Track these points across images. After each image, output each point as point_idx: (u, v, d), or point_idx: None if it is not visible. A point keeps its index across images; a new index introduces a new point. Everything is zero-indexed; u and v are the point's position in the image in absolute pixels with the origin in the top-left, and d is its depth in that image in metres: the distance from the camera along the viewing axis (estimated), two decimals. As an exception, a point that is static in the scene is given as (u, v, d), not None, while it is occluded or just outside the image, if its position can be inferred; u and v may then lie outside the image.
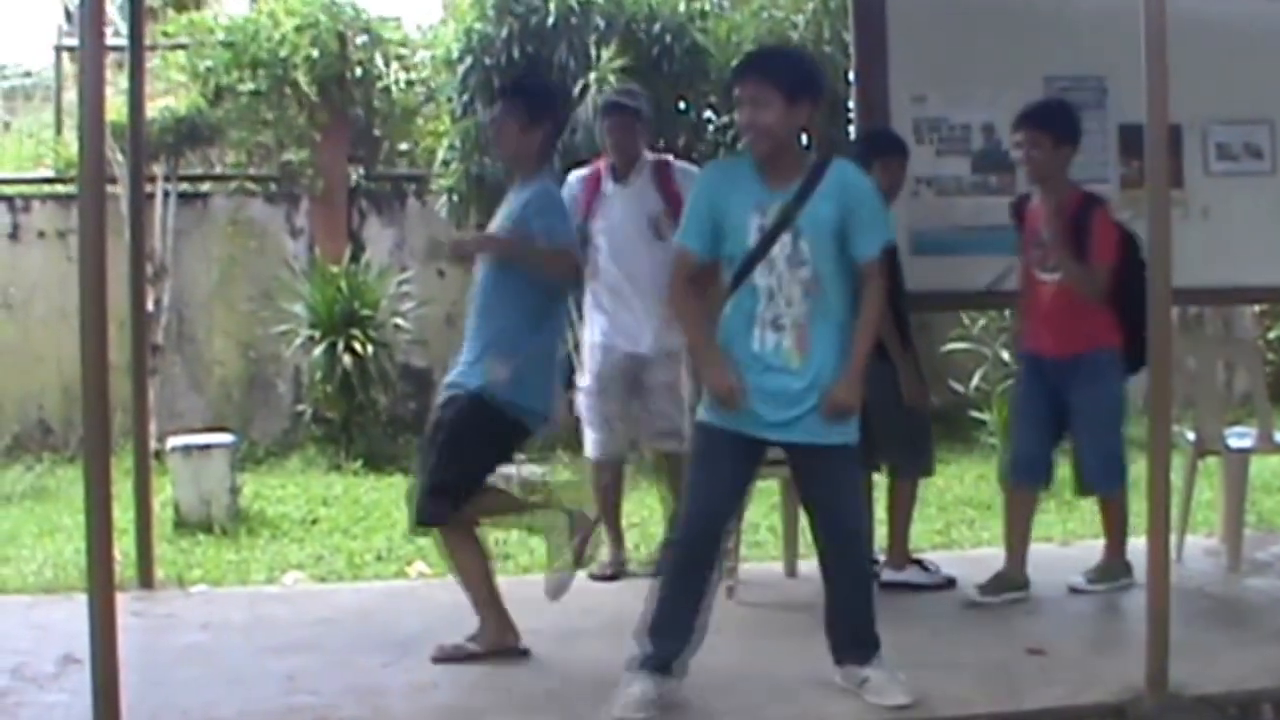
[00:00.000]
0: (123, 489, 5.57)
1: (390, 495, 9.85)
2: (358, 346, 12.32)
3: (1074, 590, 7.21)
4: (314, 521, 9.88)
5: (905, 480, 7.49)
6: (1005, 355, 11.95)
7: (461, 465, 6.10)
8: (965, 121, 7.77)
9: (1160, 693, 5.51)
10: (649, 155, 7.63)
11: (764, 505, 9.36)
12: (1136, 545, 7.17)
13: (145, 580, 7.55)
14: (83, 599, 5.42)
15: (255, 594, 7.70)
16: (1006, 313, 11.97)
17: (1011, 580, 7.11)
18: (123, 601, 5.25)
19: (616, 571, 7.60)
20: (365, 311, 12.51)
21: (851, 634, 5.74)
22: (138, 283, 7.93)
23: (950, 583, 7.37)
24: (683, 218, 5.78)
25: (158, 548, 7.88)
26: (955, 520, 9.75)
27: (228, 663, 6.23)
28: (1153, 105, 5.52)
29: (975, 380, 11.99)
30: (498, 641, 6.19)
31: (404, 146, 14.53)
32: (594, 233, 7.50)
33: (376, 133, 14.32)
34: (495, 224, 6.41)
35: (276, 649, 6.44)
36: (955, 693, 5.74)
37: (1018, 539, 7.25)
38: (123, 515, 5.61)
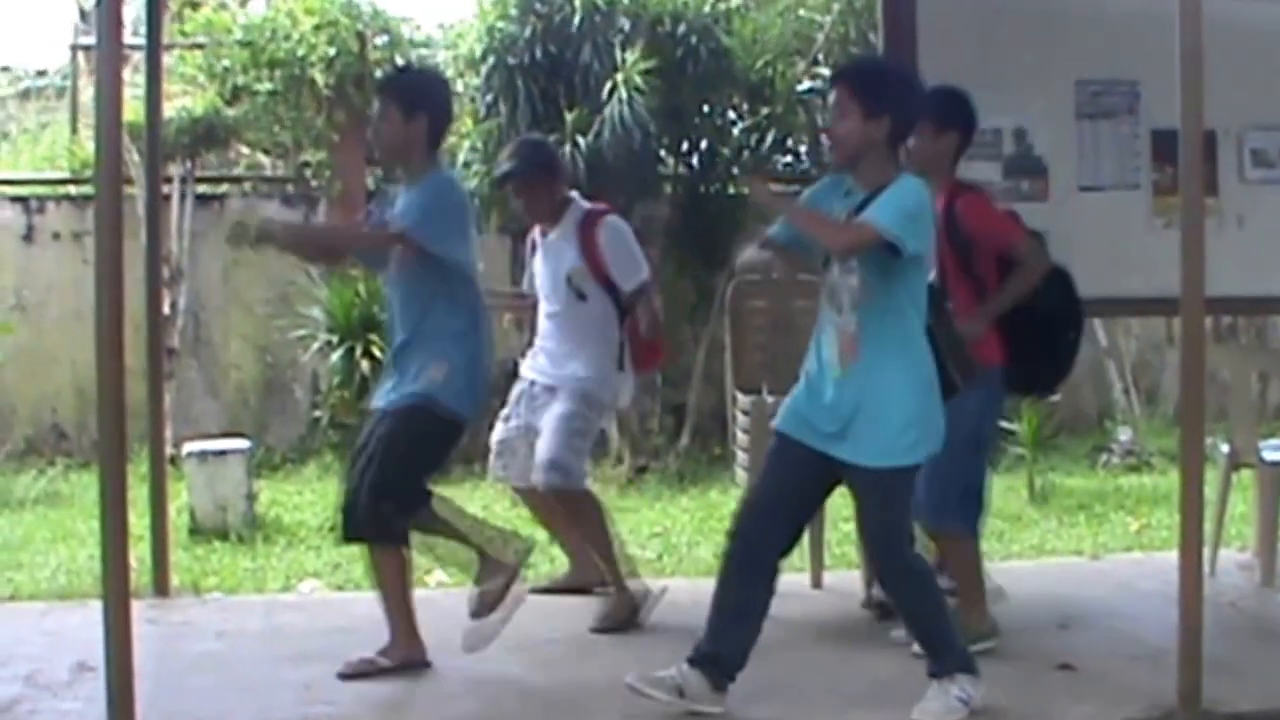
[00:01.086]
0: (138, 495, 5.60)
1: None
2: (376, 352, 12.29)
3: (898, 644, 6.36)
4: (331, 529, 9.84)
5: None
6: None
7: (407, 475, 6.12)
8: (995, 126, 7.72)
9: (1193, 710, 5.50)
10: (582, 204, 7.28)
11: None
12: (1169, 559, 7.19)
13: (160, 587, 7.57)
14: (96, 606, 5.44)
15: (271, 602, 7.71)
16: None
17: (973, 630, 6.41)
18: (137, 609, 5.27)
19: (555, 586, 7.53)
20: (384, 316, 12.52)
21: (926, 648, 5.73)
22: (154, 286, 7.95)
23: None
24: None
25: (173, 554, 7.90)
26: (984, 532, 9.67)
27: (243, 671, 6.24)
28: (1187, 110, 5.51)
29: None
30: (407, 656, 6.20)
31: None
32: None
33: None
34: (383, 219, 6.29)
35: (293, 658, 6.45)
36: (984, 708, 5.72)
37: (974, 581, 6.64)
38: (138, 521, 5.63)
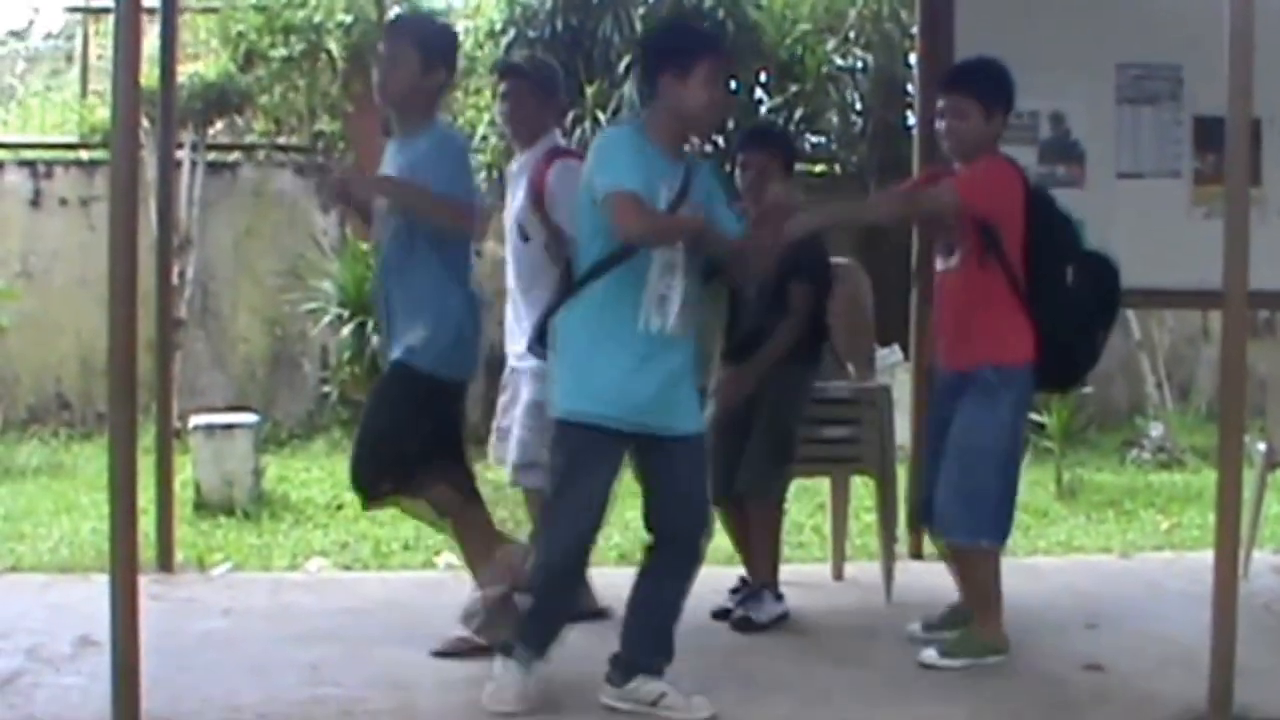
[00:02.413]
0: (143, 468, 5.59)
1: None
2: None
3: (914, 640, 6.45)
4: (339, 507, 9.90)
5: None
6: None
7: (390, 438, 6.06)
8: (1033, 109, 7.70)
9: (1224, 715, 5.46)
10: (556, 140, 6.98)
11: (809, 505, 9.39)
12: (1200, 559, 7.18)
13: (165, 563, 7.59)
14: (100, 579, 5.45)
15: (278, 580, 7.73)
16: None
17: (987, 644, 6.27)
18: (141, 584, 5.25)
19: None
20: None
21: (658, 638, 5.67)
22: (164, 255, 7.96)
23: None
24: (608, 169, 5.47)
25: (177, 530, 7.92)
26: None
27: (250, 650, 6.25)
28: (1235, 97, 5.46)
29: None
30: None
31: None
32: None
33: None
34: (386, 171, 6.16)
35: (300, 637, 6.46)
36: (1008, 708, 5.73)
37: (992, 595, 6.33)
38: (142, 495, 5.62)
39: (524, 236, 6.71)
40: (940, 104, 6.23)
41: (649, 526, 5.75)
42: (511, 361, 6.89)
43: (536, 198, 6.65)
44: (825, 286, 6.82)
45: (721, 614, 6.85)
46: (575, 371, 5.56)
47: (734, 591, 6.95)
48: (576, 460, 5.54)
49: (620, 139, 5.66)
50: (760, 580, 6.89)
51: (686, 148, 5.77)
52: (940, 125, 6.19)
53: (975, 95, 6.12)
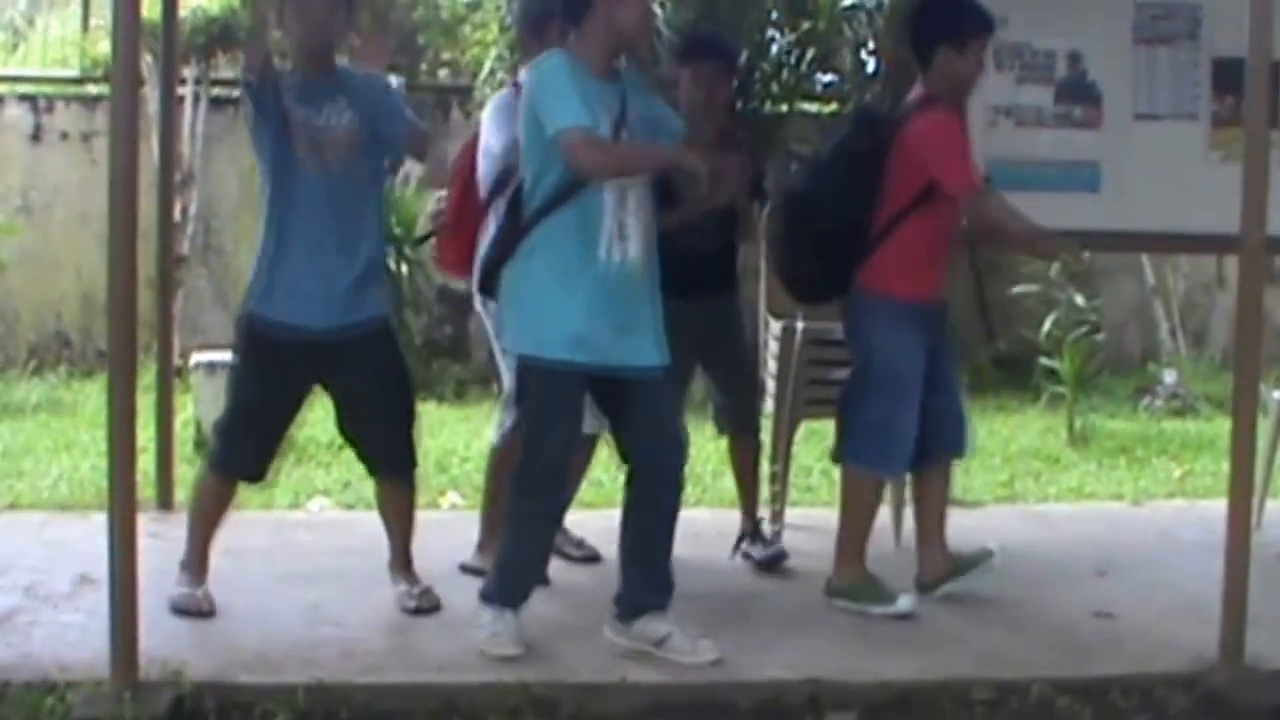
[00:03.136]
0: (143, 406, 5.58)
1: (423, 423, 9.80)
2: (391, 265, 12.28)
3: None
4: (341, 447, 9.83)
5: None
6: (1080, 300, 11.87)
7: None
8: (1049, 48, 7.64)
9: (1235, 665, 5.49)
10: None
11: (817, 449, 9.35)
12: (1212, 508, 7.17)
13: (164, 501, 7.59)
14: (99, 517, 5.44)
15: (279, 520, 7.72)
16: (1086, 255, 11.91)
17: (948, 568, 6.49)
18: (140, 522, 5.25)
19: None
20: (400, 229, 12.48)
21: (656, 577, 5.70)
22: (166, 191, 7.92)
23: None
24: (555, 105, 5.42)
25: (177, 468, 7.91)
26: (1020, 473, 9.69)
27: (249, 590, 6.26)
28: (1255, 39, 5.43)
29: (1046, 326, 11.90)
30: None
31: (448, 56, 14.45)
32: None
33: (420, 40, 14.26)
34: (340, 120, 5.87)
35: (301, 577, 6.47)
36: (1017, 655, 5.74)
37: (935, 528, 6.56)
38: (142, 433, 5.61)
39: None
40: (979, 45, 6.31)
41: (625, 459, 5.75)
42: None
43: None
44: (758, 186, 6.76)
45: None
46: (535, 311, 5.53)
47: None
48: (544, 402, 5.55)
49: (556, 69, 5.51)
50: (754, 521, 7.03)
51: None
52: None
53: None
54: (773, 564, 6.88)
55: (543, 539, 5.77)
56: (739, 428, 6.96)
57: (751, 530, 7.01)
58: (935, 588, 6.39)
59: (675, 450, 5.67)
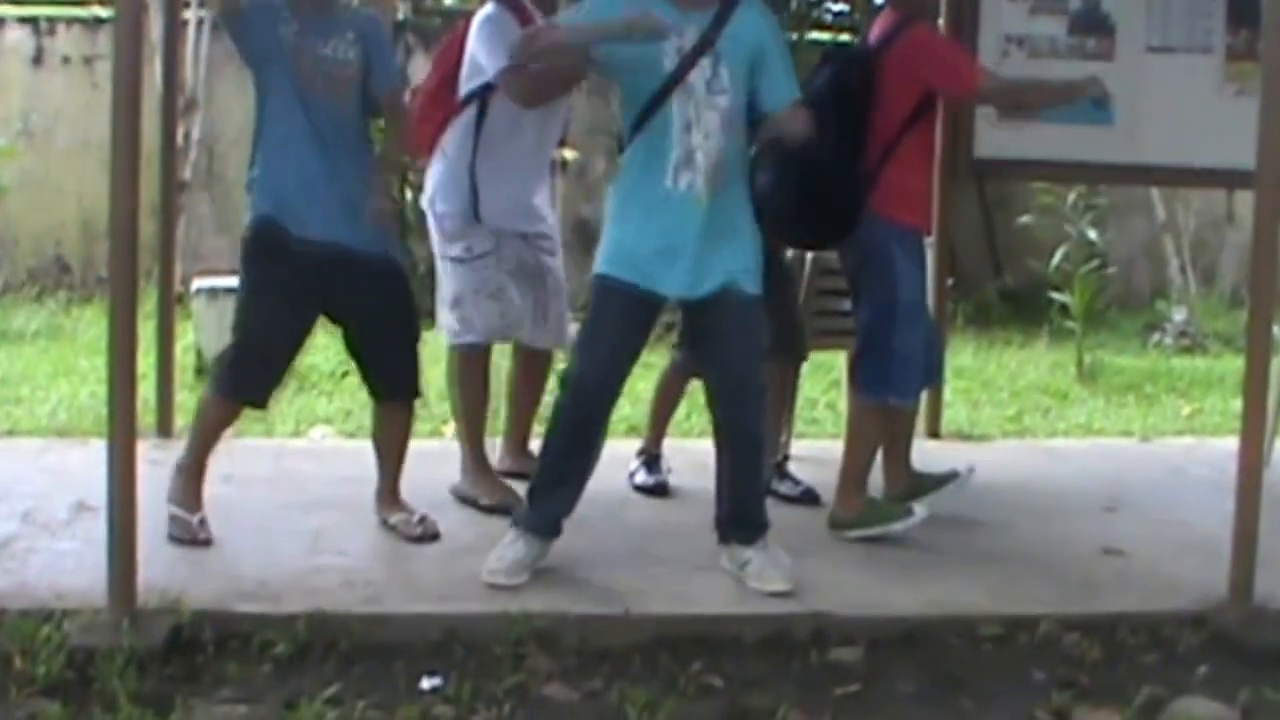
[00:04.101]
0: (143, 332, 5.55)
1: (427, 350, 9.79)
2: (396, 192, 12.21)
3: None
4: (344, 375, 9.82)
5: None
6: (1091, 234, 11.83)
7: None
8: (1063, -22, 7.61)
9: (1244, 604, 5.47)
10: None
11: (823, 381, 9.37)
12: (1221, 446, 7.15)
13: (164, 428, 7.56)
14: (98, 444, 5.42)
15: (280, 447, 7.69)
16: (1101, 189, 11.87)
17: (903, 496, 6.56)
18: (140, 449, 5.22)
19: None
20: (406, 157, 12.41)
21: (737, 511, 5.77)
22: (169, 116, 7.85)
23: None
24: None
25: (178, 395, 7.89)
26: (1029, 408, 9.67)
27: (250, 517, 6.24)
28: (1273, -29, 5.37)
29: (1056, 259, 11.86)
30: None
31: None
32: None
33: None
34: (347, 55, 5.87)
35: (302, 505, 6.45)
36: (1025, 590, 5.73)
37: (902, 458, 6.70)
38: (142, 360, 5.59)
39: None
40: None
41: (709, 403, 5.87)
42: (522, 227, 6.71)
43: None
44: None
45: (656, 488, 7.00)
46: (606, 233, 5.68)
47: (650, 466, 7.09)
48: (595, 317, 5.63)
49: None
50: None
51: None
52: None
53: None
54: (805, 500, 6.88)
55: (573, 465, 5.71)
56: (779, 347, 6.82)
57: (779, 468, 7.00)
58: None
59: (743, 392, 5.68)
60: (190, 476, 6.00)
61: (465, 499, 6.55)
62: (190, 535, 5.86)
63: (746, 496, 5.77)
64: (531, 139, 6.58)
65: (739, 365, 5.65)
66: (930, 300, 7.01)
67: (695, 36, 5.47)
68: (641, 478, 6.97)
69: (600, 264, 5.63)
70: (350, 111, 5.92)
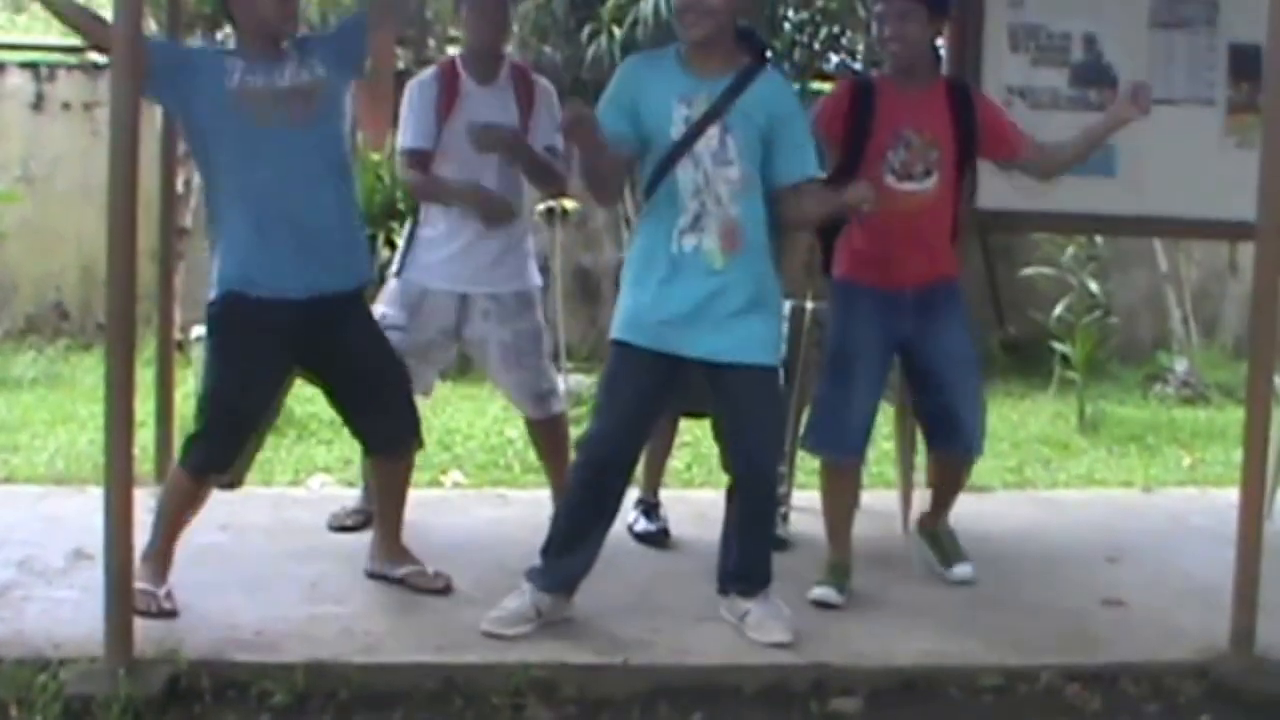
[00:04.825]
0: (142, 379, 5.56)
1: (426, 401, 9.82)
2: (398, 240, 12.23)
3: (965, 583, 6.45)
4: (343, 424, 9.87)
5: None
6: (1093, 285, 11.88)
7: None
8: (1065, 30, 7.61)
9: (1245, 654, 5.47)
10: (507, 55, 6.95)
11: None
12: (1223, 496, 7.17)
13: (162, 476, 7.51)
14: (95, 492, 5.43)
15: (279, 496, 7.70)
16: (1098, 240, 11.90)
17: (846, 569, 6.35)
18: (138, 497, 5.23)
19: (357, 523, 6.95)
20: (404, 205, 12.45)
21: (741, 565, 5.77)
22: (168, 162, 7.88)
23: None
24: (600, 104, 5.58)
25: (177, 442, 7.86)
26: (1030, 458, 9.70)
27: (248, 566, 6.24)
28: (1274, 25, 5.39)
29: (1058, 310, 11.91)
30: None
31: (456, 32, 14.41)
32: (445, 141, 6.64)
33: (429, 14, 14.22)
34: (302, 76, 5.71)
35: (300, 554, 6.45)
36: (1026, 640, 5.72)
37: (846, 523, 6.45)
38: (141, 407, 5.59)
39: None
40: (881, 7, 6.12)
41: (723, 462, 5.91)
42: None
43: (526, 116, 6.65)
44: None
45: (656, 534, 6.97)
46: (620, 298, 5.69)
47: (648, 514, 7.05)
48: (609, 381, 5.65)
49: (635, 60, 5.75)
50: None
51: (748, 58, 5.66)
52: (886, 29, 6.06)
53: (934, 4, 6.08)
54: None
55: (586, 528, 5.69)
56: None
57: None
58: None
59: (759, 457, 5.67)
60: (159, 562, 5.76)
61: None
62: (156, 607, 5.59)
63: (753, 552, 5.76)
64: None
65: (755, 436, 5.64)
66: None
67: (705, 105, 5.50)
68: (641, 525, 6.97)
69: (614, 329, 5.65)
70: (323, 132, 5.73)
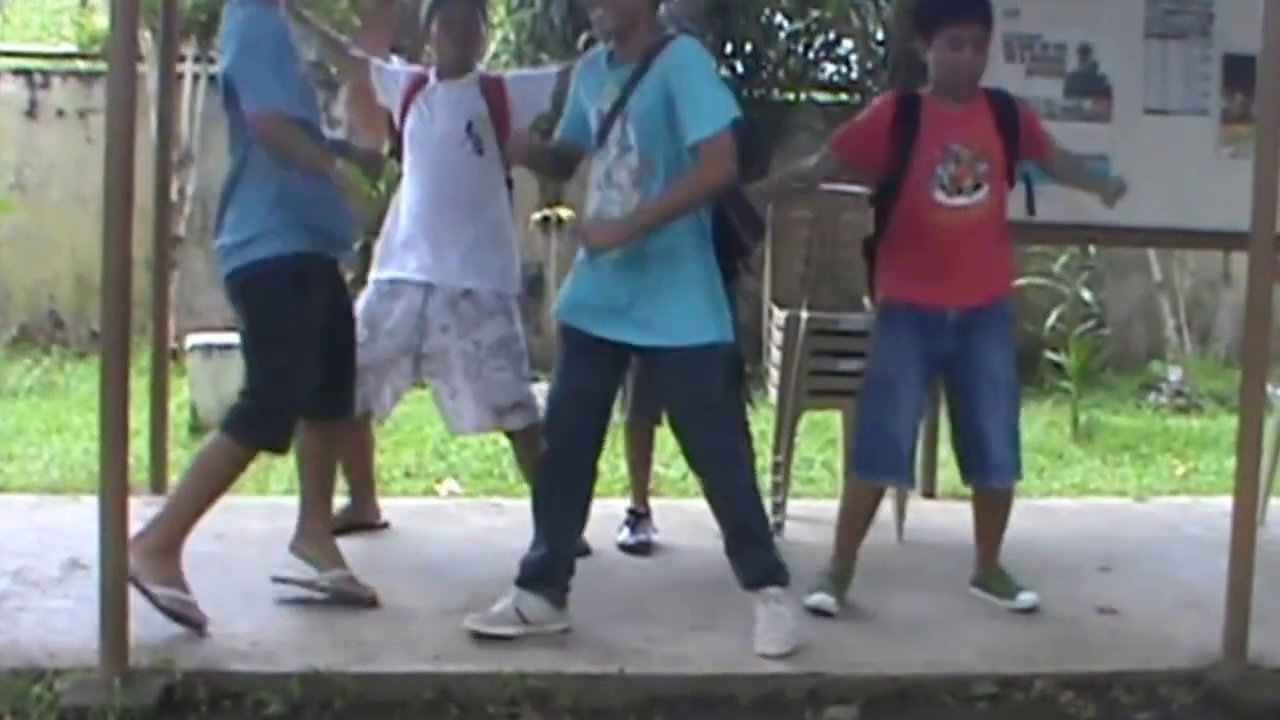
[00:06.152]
0: (137, 388, 5.57)
1: (422, 409, 9.79)
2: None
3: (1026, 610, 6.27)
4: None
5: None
6: (1087, 295, 11.91)
7: None
8: (1060, 41, 7.67)
9: (1238, 662, 5.49)
10: (480, 69, 7.04)
11: (819, 440, 9.40)
12: (1216, 505, 7.19)
13: (157, 485, 7.57)
14: (90, 501, 5.42)
15: (274, 505, 7.66)
16: (1092, 249, 11.93)
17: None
18: (134, 506, 5.23)
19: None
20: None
21: (740, 561, 5.72)
22: (163, 170, 7.91)
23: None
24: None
25: (172, 452, 7.89)
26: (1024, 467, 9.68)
27: (243, 576, 6.23)
28: (1268, 35, 5.41)
29: (1051, 320, 11.94)
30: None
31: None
32: (405, 135, 6.90)
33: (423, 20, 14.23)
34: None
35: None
36: (1020, 649, 5.74)
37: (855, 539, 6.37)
38: (136, 416, 5.60)
39: (479, 150, 6.69)
40: (957, 32, 5.98)
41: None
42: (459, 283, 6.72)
43: (496, 108, 6.72)
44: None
45: (638, 546, 6.96)
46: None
47: (633, 525, 7.07)
48: (558, 358, 5.74)
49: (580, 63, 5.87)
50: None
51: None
52: (961, 55, 5.97)
53: (990, 25, 6.04)
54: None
55: (551, 520, 5.71)
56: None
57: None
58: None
59: (707, 439, 5.66)
60: (174, 557, 5.62)
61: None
62: (198, 617, 5.55)
63: (746, 543, 5.70)
64: (425, 190, 6.76)
65: (683, 417, 5.67)
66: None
67: (614, 97, 5.57)
68: (624, 536, 6.99)
69: (555, 303, 5.78)
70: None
